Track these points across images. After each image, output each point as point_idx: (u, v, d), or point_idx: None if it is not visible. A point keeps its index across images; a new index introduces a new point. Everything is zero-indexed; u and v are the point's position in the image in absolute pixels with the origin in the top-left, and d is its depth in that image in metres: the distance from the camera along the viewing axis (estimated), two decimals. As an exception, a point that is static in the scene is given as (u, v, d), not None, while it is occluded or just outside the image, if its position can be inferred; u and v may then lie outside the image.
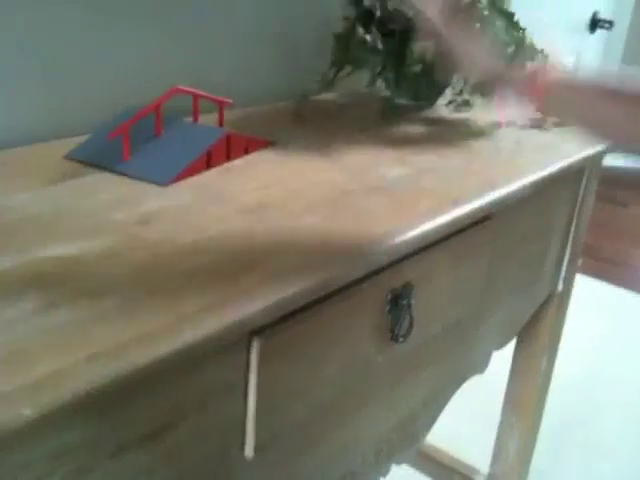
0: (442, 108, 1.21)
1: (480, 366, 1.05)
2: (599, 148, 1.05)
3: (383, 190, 0.81)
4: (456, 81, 1.20)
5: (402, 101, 1.20)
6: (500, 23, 1.11)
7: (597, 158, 1.13)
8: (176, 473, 0.57)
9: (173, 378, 0.53)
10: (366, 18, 1.13)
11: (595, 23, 2.56)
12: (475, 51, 0.80)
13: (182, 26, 1.06)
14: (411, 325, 0.77)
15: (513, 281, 1.05)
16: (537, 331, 1.29)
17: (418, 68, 1.11)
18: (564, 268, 1.21)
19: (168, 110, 0.87)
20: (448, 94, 1.21)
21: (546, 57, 0.79)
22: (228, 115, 0.99)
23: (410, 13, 0.81)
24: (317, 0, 1.25)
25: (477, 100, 1.23)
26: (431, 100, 1.21)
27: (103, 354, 0.48)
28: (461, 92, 1.21)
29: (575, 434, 1.83)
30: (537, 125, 1.15)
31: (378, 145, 0.99)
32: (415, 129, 1.10)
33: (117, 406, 0.50)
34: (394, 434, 0.87)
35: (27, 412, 0.42)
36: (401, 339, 0.77)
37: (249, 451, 0.63)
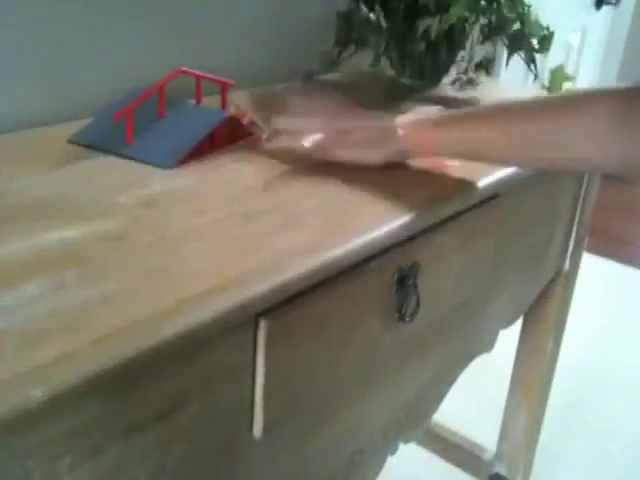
0: (447, 87, 1.20)
1: (487, 344, 1.05)
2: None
3: (384, 170, 0.81)
4: (461, 59, 1.19)
5: (407, 80, 1.19)
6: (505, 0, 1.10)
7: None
8: (186, 453, 0.58)
9: (181, 360, 0.53)
10: (370, -4, 1.12)
11: (601, 0, 2.53)
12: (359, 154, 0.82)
13: (184, 8, 1.05)
14: (418, 305, 0.77)
15: (520, 260, 1.05)
16: (544, 310, 1.29)
17: (422, 46, 1.10)
18: (571, 247, 1.20)
19: (171, 93, 0.87)
20: (453, 72, 1.21)
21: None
22: (234, 96, 0.99)
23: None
24: (320, -21, 1.24)
25: (482, 78, 1.22)
26: (436, 79, 1.20)
27: (110, 336, 0.48)
28: (466, 70, 1.20)
29: (581, 413, 1.84)
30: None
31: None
32: (419, 107, 1.09)
33: (126, 388, 0.50)
34: (402, 413, 0.88)
35: (38, 394, 0.42)
36: (408, 319, 0.77)
37: (257, 431, 0.64)
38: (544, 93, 1.12)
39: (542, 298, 1.24)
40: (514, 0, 1.10)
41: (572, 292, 1.29)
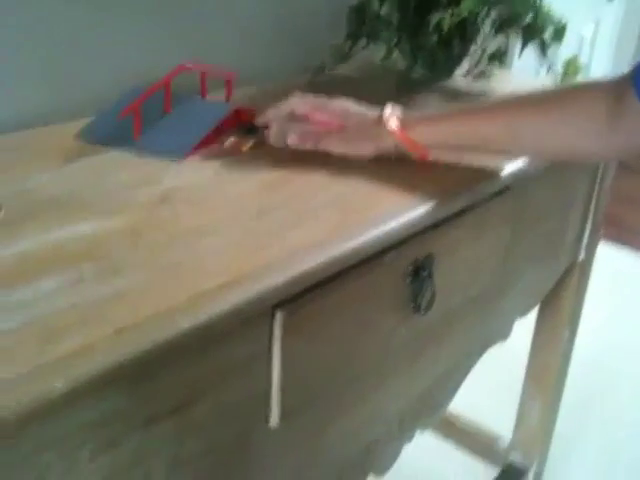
0: (460, 79, 1.20)
1: (503, 333, 1.05)
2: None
3: (401, 162, 0.81)
4: (473, 51, 1.19)
5: (419, 73, 1.19)
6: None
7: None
8: (203, 444, 0.58)
9: (197, 352, 0.54)
10: (381, -11, 1.12)
11: (614, -9, 2.52)
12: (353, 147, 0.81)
13: (186, 3, 1.05)
14: (433, 296, 0.77)
15: (535, 251, 1.04)
16: (559, 300, 1.28)
17: (434, 39, 1.10)
18: (586, 237, 1.20)
19: (175, 89, 0.87)
20: (465, 65, 1.20)
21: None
22: (241, 92, 0.99)
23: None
24: (331, -27, 1.24)
25: (495, 70, 1.22)
26: (448, 71, 1.20)
27: (128, 329, 0.48)
28: (478, 62, 1.19)
29: (596, 403, 1.83)
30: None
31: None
32: (432, 101, 1.09)
33: (144, 380, 0.51)
34: (417, 403, 0.88)
35: (59, 385, 0.43)
36: (423, 311, 0.77)
37: (274, 422, 0.64)
38: (557, 84, 1.11)
39: (557, 288, 1.23)
40: (526, -9, 1.10)
41: (587, 282, 1.29)
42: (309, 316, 0.63)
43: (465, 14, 1.06)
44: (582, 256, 1.22)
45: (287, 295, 0.59)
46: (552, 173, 0.98)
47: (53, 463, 0.47)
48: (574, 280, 1.25)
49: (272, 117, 0.84)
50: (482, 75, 1.19)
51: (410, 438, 0.89)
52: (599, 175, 1.16)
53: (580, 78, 1.16)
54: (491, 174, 0.81)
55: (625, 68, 0.72)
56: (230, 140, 0.85)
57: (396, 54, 1.17)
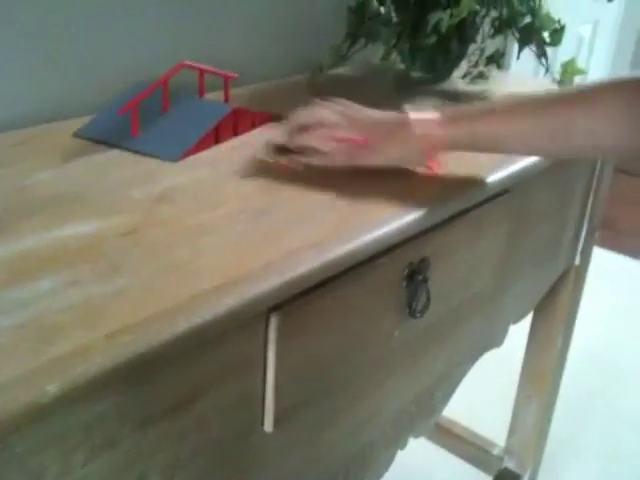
0: (458, 81, 1.20)
1: (497, 340, 1.05)
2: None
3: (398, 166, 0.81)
4: (471, 53, 1.19)
5: (417, 74, 1.19)
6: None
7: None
8: (199, 446, 0.58)
9: (193, 354, 0.54)
10: (380, -11, 1.12)
11: (613, -9, 2.51)
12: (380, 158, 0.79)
13: (189, 2, 1.05)
14: (428, 300, 0.77)
15: (531, 255, 1.05)
16: (554, 304, 1.28)
17: (433, 40, 1.10)
18: (581, 241, 1.20)
19: (175, 87, 0.87)
20: (464, 66, 1.20)
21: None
22: (241, 91, 0.99)
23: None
24: (330, -27, 1.24)
25: (493, 72, 1.22)
26: (446, 72, 1.20)
27: (124, 330, 0.48)
28: (477, 64, 1.20)
29: (591, 407, 1.83)
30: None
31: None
32: (430, 102, 1.09)
33: (140, 382, 0.51)
34: (412, 407, 0.88)
35: (53, 388, 0.43)
36: (418, 314, 0.77)
37: (268, 425, 0.64)
38: (555, 86, 1.11)
39: (553, 292, 1.23)
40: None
41: (583, 286, 1.29)
42: (304, 320, 0.63)
43: (465, 14, 1.06)
44: (578, 260, 1.22)
45: (282, 298, 0.59)
46: (549, 176, 0.98)
47: (48, 465, 0.47)
48: (569, 284, 1.26)
49: (307, 137, 0.80)
50: (480, 77, 1.19)
51: (404, 444, 0.90)
52: (595, 178, 1.16)
53: (578, 80, 1.16)
54: (486, 178, 0.81)
55: (624, 68, 0.72)
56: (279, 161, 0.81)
57: (395, 55, 1.17)
